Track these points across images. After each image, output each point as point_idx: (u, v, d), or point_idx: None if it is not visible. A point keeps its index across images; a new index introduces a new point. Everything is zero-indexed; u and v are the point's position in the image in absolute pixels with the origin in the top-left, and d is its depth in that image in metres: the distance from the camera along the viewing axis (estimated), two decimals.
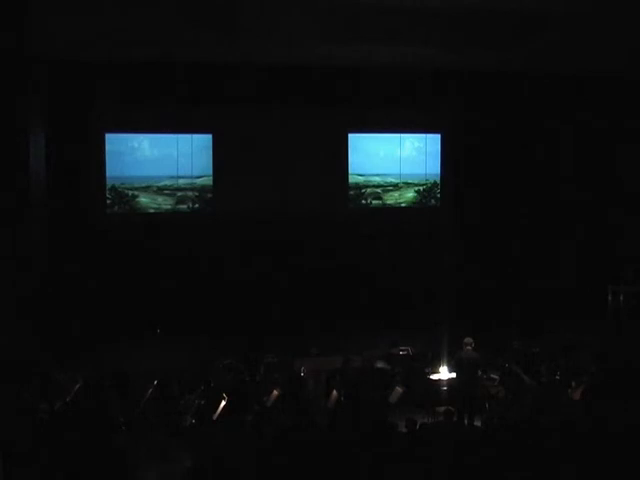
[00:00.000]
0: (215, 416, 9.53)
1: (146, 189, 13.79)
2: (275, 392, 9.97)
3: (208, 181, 14.01)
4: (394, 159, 14.82)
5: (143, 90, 13.06)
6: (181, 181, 13.91)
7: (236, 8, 10.09)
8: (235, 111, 13.79)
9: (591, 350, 11.66)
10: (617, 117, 14.79)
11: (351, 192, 14.72)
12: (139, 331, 12.43)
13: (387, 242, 14.37)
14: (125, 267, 13.28)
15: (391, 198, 14.90)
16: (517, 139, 14.69)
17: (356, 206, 14.77)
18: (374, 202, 14.83)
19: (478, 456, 7.13)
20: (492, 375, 10.78)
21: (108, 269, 13.18)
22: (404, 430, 8.11)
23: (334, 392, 10.10)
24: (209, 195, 14.06)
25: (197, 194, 14.03)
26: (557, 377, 10.62)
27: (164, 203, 13.90)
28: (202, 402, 9.85)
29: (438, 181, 15.02)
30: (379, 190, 14.83)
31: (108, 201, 13.62)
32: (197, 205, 14.05)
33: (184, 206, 14.01)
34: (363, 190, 14.78)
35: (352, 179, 14.67)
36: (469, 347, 10.23)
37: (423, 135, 14.92)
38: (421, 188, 15.01)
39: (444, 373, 10.85)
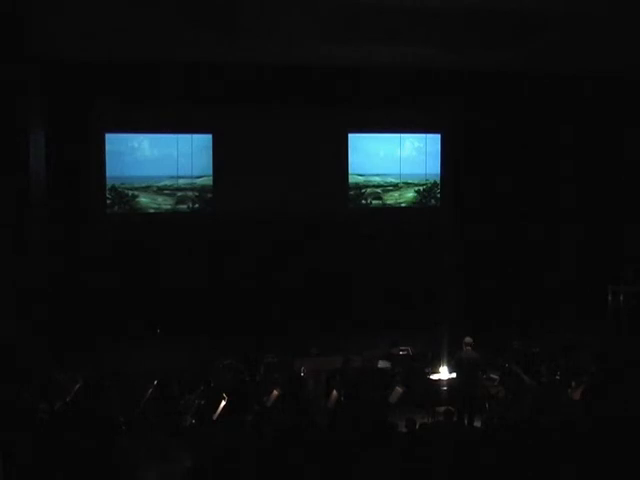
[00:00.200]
0: (215, 416, 9.53)
1: (146, 189, 13.79)
2: (275, 392, 9.96)
3: (208, 181, 14.01)
4: (394, 159, 14.82)
5: (143, 90, 13.06)
6: (181, 181, 13.91)
7: (236, 8, 10.09)
8: (235, 111, 13.80)
9: (591, 350, 11.66)
10: (617, 117, 14.78)
11: (351, 192, 14.72)
12: (139, 331, 12.43)
13: (387, 242, 14.37)
14: (125, 267, 13.28)
15: (391, 198, 14.91)
16: (517, 139, 14.68)
17: (356, 206, 14.77)
18: (374, 202, 14.83)
19: (478, 456, 7.13)
20: (492, 375, 10.78)
21: (108, 269, 13.18)
22: (404, 430, 8.11)
23: (334, 392, 10.10)
24: (209, 195, 14.06)
25: (197, 194, 14.03)
26: (557, 377, 10.62)
27: (164, 203, 13.90)
28: (202, 402, 9.85)
29: (438, 181, 15.02)
30: (379, 190, 14.83)
31: (108, 201, 13.62)
32: (197, 205, 14.05)
33: (184, 206, 14.01)
34: (363, 190, 14.78)
35: (352, 179, 14.67)
36: (469, 347, 10.23)
37: (423, 135, 14.91)
38: (421, 188, 15.01)
39: (444, 373, 10.84)
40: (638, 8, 10.17)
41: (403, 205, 14.96)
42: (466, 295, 14.16)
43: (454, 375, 10.49)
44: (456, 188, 14.88)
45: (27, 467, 7.26)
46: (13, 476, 7.17)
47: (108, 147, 13.46)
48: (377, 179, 14.82)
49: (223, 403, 9.62)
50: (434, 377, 10.86)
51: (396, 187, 14.90)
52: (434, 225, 14.76)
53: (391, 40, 11.38)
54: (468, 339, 10.27)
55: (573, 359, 11.27)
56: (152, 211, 13.84)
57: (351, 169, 14.63)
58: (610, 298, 13.75)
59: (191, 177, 13.94)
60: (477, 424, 9.87)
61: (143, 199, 13.79)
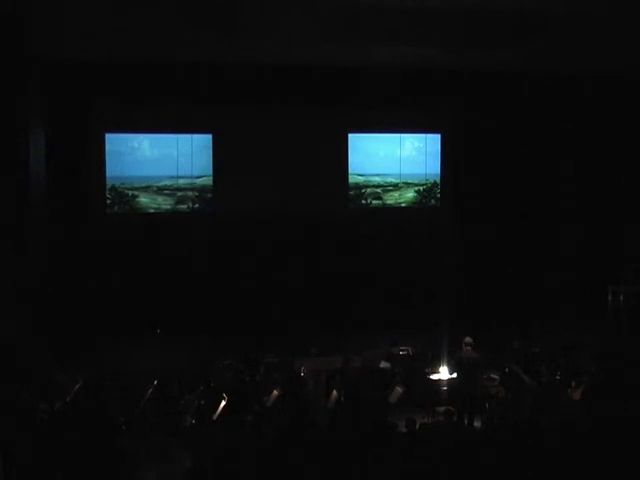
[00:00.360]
0: (215, 416, 9.53)
1: (146, 189, 13.79)
2: (275, 392, 9.96)
3: (208, 181, 14.01)
4: (394, 159, 14.82)
5: (143, 90, 13.06)
6: (181, 181, 13.91)
7: (236, 8, 10.09)
8: (235, 111, 13.80)
9: (591, 350, 11.67)
10: (617, 117, 14.78)
11: (351, 192, 14.72)
12: (139, 331, 12.42)
13: (387, 242, 14.37)
14: (125, 267, 13.28)
15: (391, 198, 14.90)
16: (517, 139, 14.67)
17: (356, 206, 14.77)
18: (374, 202, 14.83)
19: (478, 456, 7.13)
20: (492, 375, 10.78)
21: (108, 269, 13.18)
22: (404, 430, 8.11)
23: (334, 392, 10.10)
24: (209, 195, 14.06)
25: (197, 194, 14.03)
26: (557, 377, 10.63)
27: (164, 203, 13.90)
28: (202, 402, 9.86)
29: (438, 181, 15.02)
30: (379, 190, 14.83)
31: (108, 201, 13.62)
32: (197, 205, 14.05)
33: (184, 206, 14.01)
34: (363, 190, 14.78)
35: (352, 179, 14.67)
36: (469, 347, 10.23)
37: (423, 135, 14.91)
38: (421, 188, 15.01)
39: (444, 373, 10.84)
40: (638, 8, 10.17)
41: (403, 205, 14.96)
42: (466, 295, 14.15)
43: (454, 375, 10.49)
44: (456, 188, 14.87)
45: (27, 467, 7.26)
46: (13, 476, 7.17)
47: (108, 147, 13.46)
48: (377, 179, 14.81)
49: (223, 403, 9.62)
50: (434, 377, 10.86)
51: (396, 187, 14.90)
52: (434, 225, 14.76)
53: (391, 40, 11.37)
54: (468, 339, 10.27)
55: (573, 359, 11.28)
56: (152, 211, 13.84)
57: (351, 169, 14.63)
58: (610, 298, 13.75)
59: (191, 177, 13.94)
60: (477, 424, 9.88)
61: (143, 199, 13.79)
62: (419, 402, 10.42)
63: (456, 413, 9.07)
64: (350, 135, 14.53)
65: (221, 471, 7.09)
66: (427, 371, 11.06)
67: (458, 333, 10.85)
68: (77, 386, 9.83)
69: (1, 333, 10.31)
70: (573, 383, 10.18)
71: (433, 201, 15.09)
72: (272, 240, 13.82)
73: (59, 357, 11.28)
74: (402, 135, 14.80)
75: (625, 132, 14.94)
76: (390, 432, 7.81)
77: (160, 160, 13.77)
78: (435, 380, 10.79)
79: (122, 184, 13.67)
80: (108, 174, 13.51)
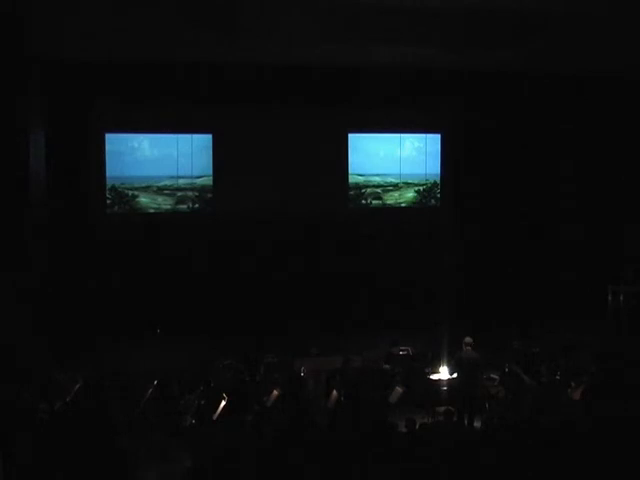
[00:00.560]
0: (215, 416, 9.53)
1: (146, 189, 13.79)
2: (275, 392, 9.96)
3: (208, 181, 14.01)
4: (394, 159, 14.82)
5: (143, 90, 13.06)
6: (181, 181, 13.91)
7: (236, 8, 10.09)
8: (235, 111, 13.80)
9: (591, 350, 11.66)
10: (617, 117, 14.78)
11: (351, 192, 14.72)
12: (139, 331, 12.42)
13: (387, 242, 14.37)
14: (125, 267, 13.28)
15: (391, 198, 14.90)
16: (517, 139, 14.67)
17: (356, 206, 14.77)
18: (374, 202, 14.83)
19: (478, 456, 7.13)
20: (492, 375, 10.78)
21: (108, 269, 13.18)
22: (404, 430, 8.11)
23: (334, 392, 10.10)
24: (209, 195, 14.06)
25: (197, 194, 14.03)
26: (557, 377, 10.62)
27: (164, 203, 13.90)
28: (202, 402, 9.85)
29: (438, 181, 15.02)
30: (379, 190, 14.83)
31: (108, 201, 13.62)
32: (197, 205, 14.05)
33: (184, 206, 14.01)
34: (363, 190, 14.78)
35: (352, 179, 14.67)
36: (469, 347, 10.23)
37: (423, 135, 14.92)
38: (421, 188, 15.01)
39: (444, 373, 10.84)
40: (638, 8, 10.17)
41: (403, 205, 14.96)
42: (466, 295, 14.15)
43: (454, 375, 10.49)
44: (456, 188, 14.87)
45: (27, 467, 7.26)
46: (13, 476, 7.17)
47: (108, 147, 13.46)
48: (377, 179, 14.82)
49: (223, 403, 9.62)
50: (434, 377, 10.87)
51: (396, 187, 14.90)
52: (434, 225, 14.76)
53: (391, 40, 11.37)
54: (468, 339, 10.27)
55: (573, 359, 11.27)
56: (152, 211, 13.84)
57: (351, 169, 14.63)
58: (610, 298, 13.75)
59: (191, 177, 13.95)
60: (477, 424, 9.88)
61: (143, 199, 13.79)
62: (419, 402, 10.42)
63: (456, 413, 9.07)
64: (350, 135, 14.53)
65: (221, 471, 7.09)
66: (427, 371, 11.06)
67: (458, 333, 10.85)
68: (77, 386, 9.83)
69: (1, 333, 10.31)
70: (573, 383, 10.17)
71: (433, 201, 15.09)
72: (272, 240, 13.82)
73: (59, 357, 11.28)
74: (402, 135, 14.80)
75: (625, 132, 14.94)
76: (390, 432, 7.81)
77: (160, 160, 13.77)
78: (435, 380, 10.79)
79: (122, 184, 13.67)
80: (108, 174, 13.51)
